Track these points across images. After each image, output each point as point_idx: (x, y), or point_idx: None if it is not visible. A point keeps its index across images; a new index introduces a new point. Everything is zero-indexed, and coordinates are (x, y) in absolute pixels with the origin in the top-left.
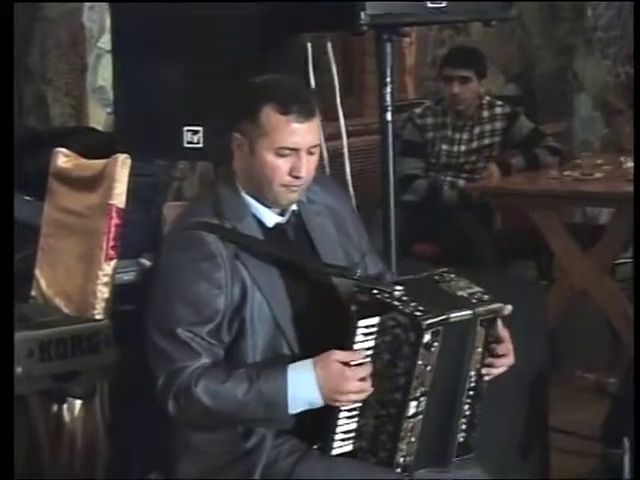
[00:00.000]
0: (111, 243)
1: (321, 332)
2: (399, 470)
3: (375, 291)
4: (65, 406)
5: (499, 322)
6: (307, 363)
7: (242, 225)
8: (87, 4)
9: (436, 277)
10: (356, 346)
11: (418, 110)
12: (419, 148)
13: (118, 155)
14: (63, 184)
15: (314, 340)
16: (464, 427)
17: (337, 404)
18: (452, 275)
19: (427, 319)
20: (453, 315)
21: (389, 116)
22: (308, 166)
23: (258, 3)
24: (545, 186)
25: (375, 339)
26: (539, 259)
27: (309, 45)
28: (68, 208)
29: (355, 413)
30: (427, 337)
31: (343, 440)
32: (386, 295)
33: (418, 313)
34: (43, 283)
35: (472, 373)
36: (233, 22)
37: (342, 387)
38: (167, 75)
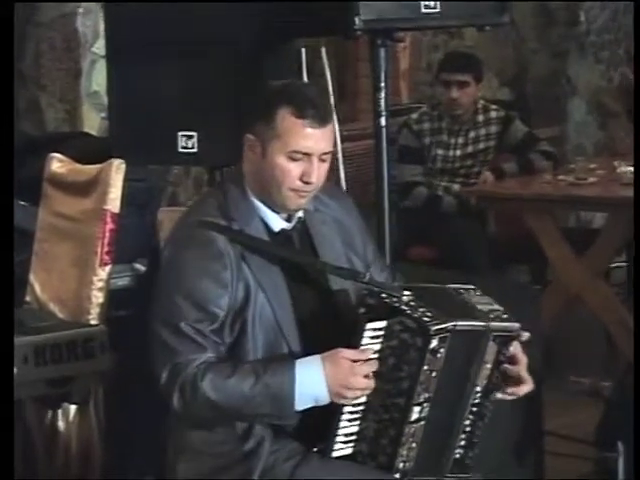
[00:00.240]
0: (106, 248)
1: (324, 336)
2: (398, 475)
3: (384, 295)
4: (60, 411)
5: (516, 345)
6: (315, 358)
7: (249, 228)
8: (81, 9)
9: (460, 290)
10: (362, 349)
11: (414, 115)
12: (417, 154)
13: (113, 160)
14: (58, 189)
15: (316, 344)
16: (462, 444)
17: (342, 400)
18: (477, 292)
19: (435, 325)
20: (461, 323)
21: (383, 121)
22: (319, 172)
23: (252, 7)
24: (539, 190)
25: (381, 343)
26: (533, 263)
27: (303, 50)
28: (63, 213)
29: (357, 416)
30: (434, 342)
31: (344, 443)
32: (394, 299)
33: (426, 318)
34: (38, 288)
35: (478, 388)
36: (228, 27)
37: (350, 382)
38: (161, 80)
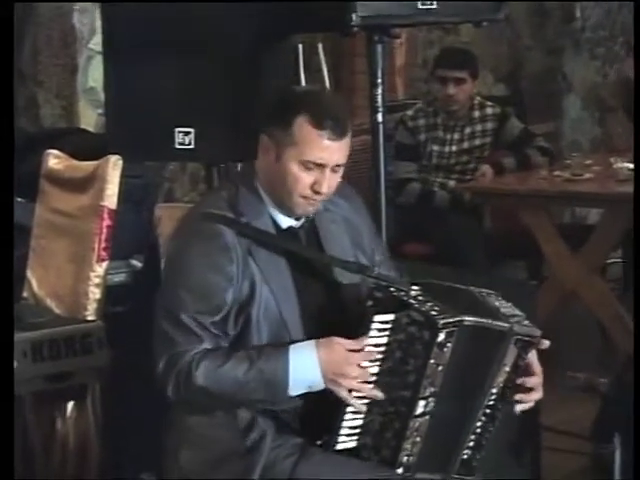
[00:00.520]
0: (102, 244)
1: (329, 331)
2: (401, 469)
3: (392, 289)
4: (57, 407)
5: (534, 354)
6: (310, 343)
7: (257, 222)
8: (77, 6)
9: (482, 293)
10: (369, 341)
11: (410, 112)
12: (412, 151)
13: (109, 157)
14: (54, 185)
15: (321, 338)
16: (471, 444)
17: (337, 388)
18: (499, 297)
19: (443, 318)
20: (469, 318)
21: (380, 117)
22: (330, 182)
23: (250, 4)
24: (535, 186)
25: (388, 336)
26: (529, 259)
27: (300, 46)
28: (59, 209)
29: (362, 409)
30: (441, 336)
31: (348, 436)
32: (402, 293)
33: (434, 312)
34: (34, 284)
35: (494, 390)
36: (225, 23)
37: (344, 370)
38: (158, 76)
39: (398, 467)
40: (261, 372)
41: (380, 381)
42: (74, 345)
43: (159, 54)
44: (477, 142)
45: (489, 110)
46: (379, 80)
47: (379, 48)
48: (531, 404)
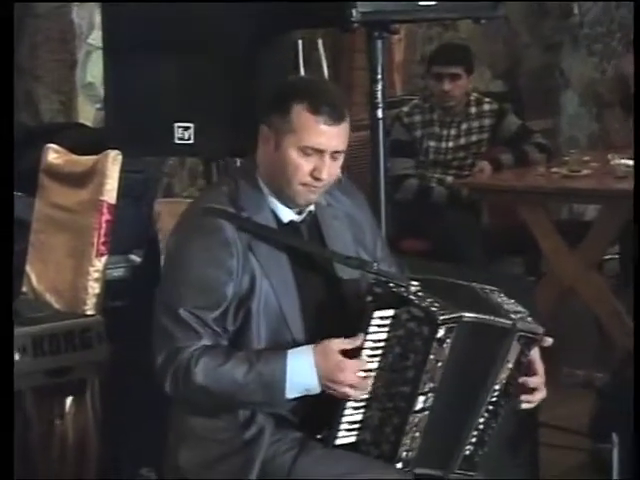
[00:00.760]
0: (102, 239)
1: (329, 326)
2: (400, 464)
3: (391, 284)
4: (56, 402)
5: (536, 351)
6: (308, 348)
7: (258, 217)
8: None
9: (485, 290)
10: (369, 337)
11: (406, 109)
12: (408, 147)
13: (109, 151)
14: (54, 180)
15: (321, 334)
16: (473, 441)
17: (333, 393)
18: (502, 294)
19: (442, 314)
20: (469, 314)
21: (380, 113)
22: (330, 169)
23: (250, 1)
24: (533, 183)
25: (388, 332)
26: (526, 255)
27: (300, 42)
28: (59, 204)
29: (362, 404)
30: (441, 332)
31: (348, 431)
32: (402, 289)
33: (434, 308)
34: (34, 279)
35: (497, 387)
36: (225, 19)
37: (337, 377)
38: (158, 71)
39: (397, 462)
40: (260, 375)
41: (379, 377)
42: (74, 340)
43: (159, 50)
44: (474, 138)
45: (486, 106)
46: (379, 76)
47: (379, 44)
48: (535, 403)
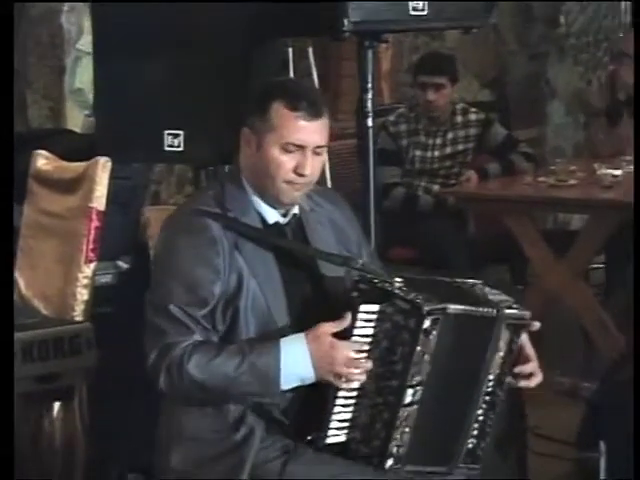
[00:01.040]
0: (91, 245)
1: (316, 324)
2: (391, 460)
3: (376, 280)
4: (45, 407)
5: (525, 337)
6: (300, 336)
7: (244, 219)
8: (66, 7)
9: (468, 283)
10: (356, 331)
11: (391, 118)
12: (394, 156)
13: (99, 158)
14: (43, 186)
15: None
16: (475, 433)
17: (329, 377)
18: (485, 286)
19: (428, 305)
20: (453, 306)
21: (370, 122)
22: (313, 165)
23: (241, 8)
24: (519, 192)
25: (374, 327)
26: (512, 264)
27: (290, 50)
28: (48, 210)
29: (351, 402)
30: (427, 323)
31: (338, 429)
32: (387, 284)
33: (419, 300)
34: (22, 284)
35: (491, 377)
36: (216, 25)
37: (332, 358)
38: (148, 78)
39: (388, 458)
40: (253, 366)
41: (368, 372)
42: (63, 346)
43: (149, 57)
44: (460, 147)
45: (473, 116)
46: (369, 85)
47: (369, 53)
48: (532, 386)
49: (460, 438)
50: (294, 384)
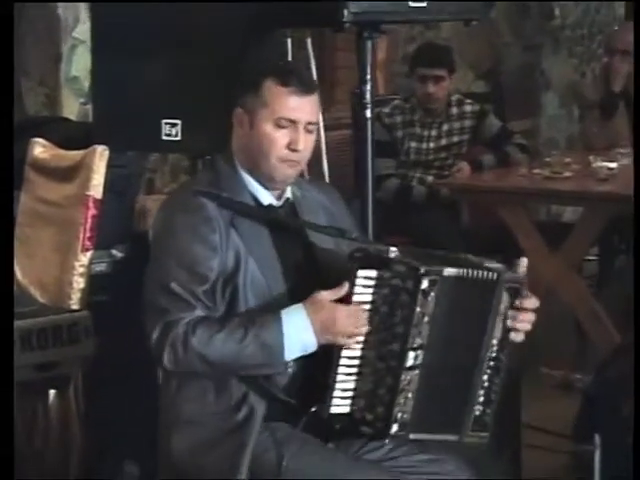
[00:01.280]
0: (88, 234)
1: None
2: (396, 427)
3: (371, 249)
4: (40, 396)
5: (525, 291)
6: (299, 306)
7: (239, 199)
8: None
9: (462, 255)
10: (354, 298)
11: (386, 109)
12: (389, 147)
13: (96, 146)
14: (40, 174)
15: None
16: (481, 400)
17: (330, 339)
18: (476, 257)
19: (424, 267)
20: (449, 269)
21: (368, 113)
22: (305, 141)
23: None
24: (514, 184)
25: (372, 293)
26: (506, 255)
27: (289, 40)
28: (45, 198)
29: (352, 371)
30: (425, 283)
31: (341, 399)
32: (383, 252)
33: (415, 263)
34: (19, 273)
35: (494, 342)
36: (215, 16)
37: (333, 319)
38: (146, 68)
39: (393, 423)
40: (256, 338)
41: (368, 339)
42: (62, 334)
43: (147, 46)
44: (455, 139)
45: (468, 107)
46: (368, 76)
47: (369, 44)
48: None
49: (467, 404)
50: (297, 353)
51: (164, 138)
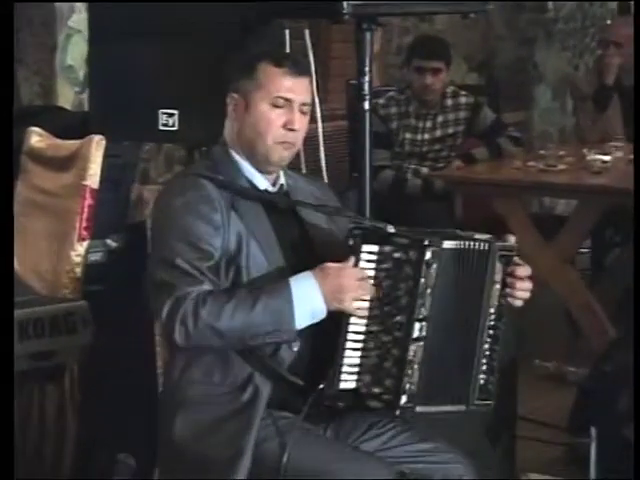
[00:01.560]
0: (84, 224)
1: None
2: (405, 398)
3: (370, 225)
4: (36, 386)
5: (517, 260)
6: (307, 273)
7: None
8: None
9: (450, 230)
10: (346, 262)
11: (381, 100)
12: (384, 139)
13: (93, 136)
14: (37, 163)
15: None
16: (484, 368)
17: (340, 306)
18: (464, 232)
19: (427, 239)
20: (448, 242)
21: (367, 105)
22: (301, 122)
23: None
24: (509, 176)
25: (375, 269)
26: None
27: (287, 32)
28: (42, 188)
29: (358, 346)
30: (428, 254)
31: (348, 374)
32: (381, 228)
33: (418, 236)
34: (15, 262)
35: (492, 310)
36: (213, 6)
37: (341, 284)
38: (143, 57)
39: (402, 394)
40: (266, 305)
41: (372, 314)
42: (59, 324)
43: (145, 36)
44: (450, 130)
45: (462, 99)
46: (367, 68)
47: (367, 36)
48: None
49: (472, 373)
50: (308, 320)
51: (161, 128)
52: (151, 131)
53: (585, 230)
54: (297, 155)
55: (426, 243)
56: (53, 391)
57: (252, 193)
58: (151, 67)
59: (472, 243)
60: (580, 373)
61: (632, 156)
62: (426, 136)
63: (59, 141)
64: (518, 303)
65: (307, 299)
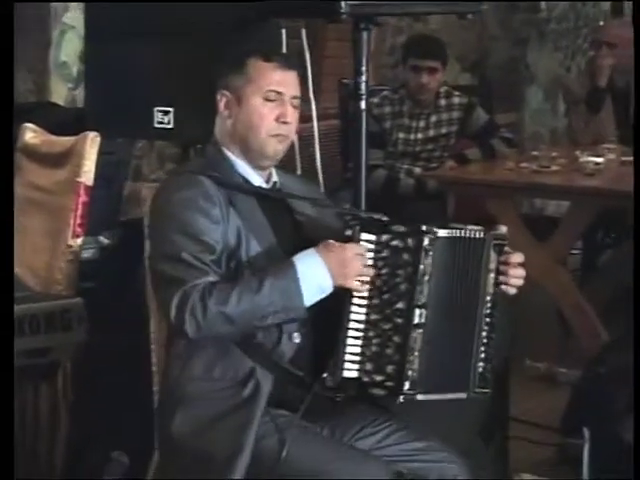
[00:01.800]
0: (78, 220)
1: None
2: (408, 385)
3: (365, 216)
4: (30, 382)
5: (508, 249)
6: (310, 250)
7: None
8: None
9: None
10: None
11: (375, 100)
12: (377, 138)
13: (88, 133)
14: (31, 160)
15: None
16: (482, 356)
17: (345, 282)
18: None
19: (425, 225)
20: (443, 230)
21: (363, 104)
22: (292, 115)
23: None
24: (502, 177)
25: (372, 258)
26: None
27: (284, 31)
28: (36, 184)
29: (359, 335)
30: (426, 241)
31: (350, 362)
32: (376, 219)
33: (415, 224)
34: None
35: (488, 298)
36: (211, 4)
37: (345, 258)
38: (139, 55)
39: (405, 381)
40: (273, 286)
41: (371, 304)
42: (54, 321)
43: (140, 33)
44: (443, 130)
45: (456, 99)
46: (363, 68)
47: (364, 35)
48: (518, 281)
49: (471, 361)
50: (316, 296)
51: (156, 126)
52: (146, 129)
53: (577, 232)
54: (292, 155)
55: (424, 230)
56: (46, 389)
57: (249, 188)
58: (147, 65)
59: (466, 231)
60: (570, 374)
61: (624, 158)
62: (419, 136)
63: (53, 137)
64: (512, 291)
65: (313, 275)
